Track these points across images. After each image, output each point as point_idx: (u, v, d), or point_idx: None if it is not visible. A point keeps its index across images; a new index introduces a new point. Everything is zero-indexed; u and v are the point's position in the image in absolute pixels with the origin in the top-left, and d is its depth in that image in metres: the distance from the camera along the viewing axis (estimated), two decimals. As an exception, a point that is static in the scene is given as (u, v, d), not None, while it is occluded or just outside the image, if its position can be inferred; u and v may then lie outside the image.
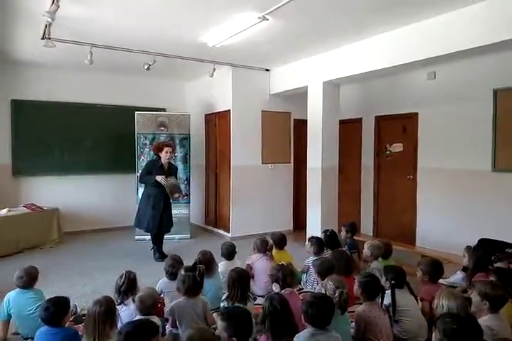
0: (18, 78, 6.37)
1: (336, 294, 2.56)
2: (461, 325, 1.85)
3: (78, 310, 3.32)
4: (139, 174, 6.03)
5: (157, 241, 5.32)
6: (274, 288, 3.03)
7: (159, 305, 2.93)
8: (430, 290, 2.97)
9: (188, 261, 3.19)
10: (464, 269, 3.86)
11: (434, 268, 3.11)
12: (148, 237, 5.67)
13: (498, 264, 3.45)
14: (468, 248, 3.83)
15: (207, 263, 3.42)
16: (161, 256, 5.16)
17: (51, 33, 4.37)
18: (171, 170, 5.31)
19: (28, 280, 2.98)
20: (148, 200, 5.20)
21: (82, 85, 6.76)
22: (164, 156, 5.19)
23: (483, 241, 4.35)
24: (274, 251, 4.25)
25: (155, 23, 4.39)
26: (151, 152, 6.45)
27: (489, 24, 3.70)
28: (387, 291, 2.81)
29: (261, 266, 3.83)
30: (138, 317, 2.62)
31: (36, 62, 6.17)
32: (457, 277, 3.97)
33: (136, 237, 6.32)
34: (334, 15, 4.11)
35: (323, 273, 3.33)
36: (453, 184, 5.43)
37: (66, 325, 2.58)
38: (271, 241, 4.22)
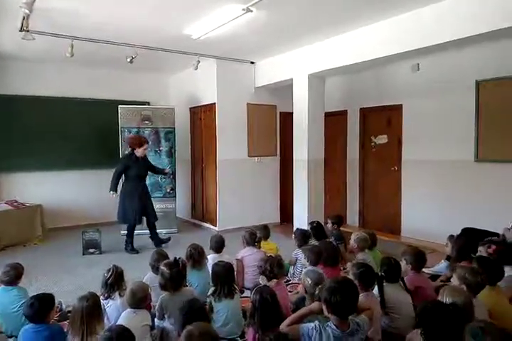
0: (-3, 72, 6.21)
1: (316, 291, 2.57)
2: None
3: (63, 307, 3.29)
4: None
5: (131, 233, 5.46)
6: (260, 281, 3.05)
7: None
8: (413, 280, 3.01)
9: (176, 255, 3.17)
10: (448, 258, 3.93)
11: (418, 257, 3.14)
12: (136, 232, 5.63)
13: (479, 248, 3.53)
14: (451, 237, 3.89)
15: (198, 256, 3.43)
16: (159, 243, 5.47)
17: (30, 25, 4.25)
18: (145, 162, 5.55)
19: (15, 274, 2.95)
20: (131, 195, 5.33)
21: (63, 79, 6.62)
22: (142, 152, 5.37)
23: (466, 230, 4.43)
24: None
25: (137, 15, 4.30)
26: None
27: (470, 17, 3.72)
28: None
29: (251, 258, 3.84)
30: (127, 310, 2.61)
31: (15, 55, 6.00)
32: (441, 266, 4.04)
33: (121, 232, 6.25)
34: (319, 7, 4.09)
35: (313, 258, 3.37)
36: (437, 174, 5.52)
37: (51, 322, 2.55)
38: (259, 234, 4.24)
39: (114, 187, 5.30)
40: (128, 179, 5.41)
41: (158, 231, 5.72)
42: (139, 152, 5.35)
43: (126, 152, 5.76)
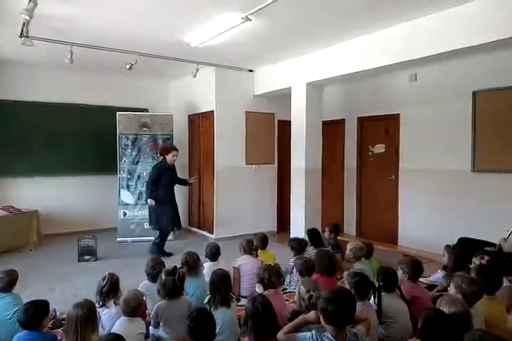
0: (-5, 77, 6.21)
1: (306, 296, 2.56)
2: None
3: (58, 314, 3.26)
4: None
5: (164, 238, 5.62)
6: (257, 289, 3.03)
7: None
8: (410, 290, 3.00)
9: (172, 263, 3.16)
10: (444, 268, 3.92)
11: (414, 267, 3.14)
12: (131, 239, 5.61)
13: (473, 259, 3.53)
14: (447, 247, 3.89)
15: (192, 264, 3.42)
16: (161, 252, 5.41)
17: (30, 31, 4.28)
18: (174, 170, 5.74)
19: (9, 280, 2.93)
20: (163, 203, 5.46)
21: (62, 85, 6.63)
22: (171, 159, 5.54)
23: (462, 240, 4.44)
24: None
25: (137, 23, 4.33)
26: (134, 152, 6.45)
27: (469, 27, 3.77)
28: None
29: (248, 267, 3.83)
30: (121, 318, 2.59)
31: (14, 61, 6.02)
32: (438, 276, 4.03)
33: (117, 239, 6.24)
34: (317, 16, 4.14)
35: (304, 272, 3.35)
36: (433, 184, 5.53)
37: (45, 330, 2.52)
38: (256, 242, 4.22)
39: (152, 195, 5.44)
40: (160, 187, 5.48)
41: (155, 237, 5.69)
42: (168, 159, 5.52)
43: (156, 161, 5.99)
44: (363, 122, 6.64)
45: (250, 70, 6.66)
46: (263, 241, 4.34)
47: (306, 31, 4.64)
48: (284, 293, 3.76)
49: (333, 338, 2.07)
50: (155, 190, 5.45)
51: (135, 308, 2.60)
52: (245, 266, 3.85)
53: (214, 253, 3.92)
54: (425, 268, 3.27)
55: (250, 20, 4.07)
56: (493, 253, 3.75)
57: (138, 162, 6.51)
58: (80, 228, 6.49)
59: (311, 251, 4.26)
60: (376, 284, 2.86)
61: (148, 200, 5.46)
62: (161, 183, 5.47)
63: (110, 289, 2.84)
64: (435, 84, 5.52)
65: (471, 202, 5.09)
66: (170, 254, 5.35)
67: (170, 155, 5.52)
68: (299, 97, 5.85)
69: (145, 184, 5.98)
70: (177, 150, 5.68)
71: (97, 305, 2.72)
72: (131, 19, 4.23)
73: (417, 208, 5.75)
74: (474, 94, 5.07)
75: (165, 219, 5.47)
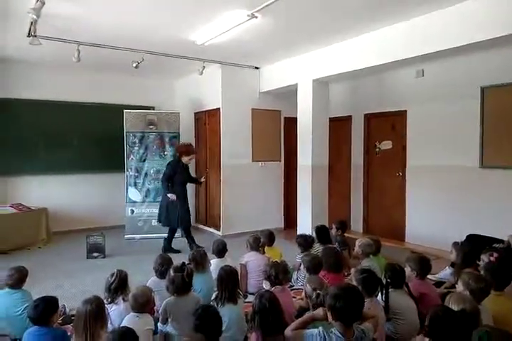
0: (2, 76, 6.23)
1: (313, 296, 2.56)
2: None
3: (67, 310, 3.29)
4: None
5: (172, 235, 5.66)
6: (264, 286, 3.04)
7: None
8: (418, 287, 2.99)
9: (180, 260, 3.18)
10: (452, 265, 3.90)
11: (422, 264, 3.12)
12: (139, 236, 5.62)
13: (481, 256, 3.51)
14: (455, 244, 3.87)
15: (200, 259, 3.43)
16: (167, 249, 5.43)
17: (37, 30, 4.31)
18: (187, 169, 5.80)
19: (19, 277, 2.96)
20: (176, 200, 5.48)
21: (69, 83, 6.67)
22: (187, 161, 5.64)
23: (470, 237, 4.41)
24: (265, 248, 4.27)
25: (143, 21, 4.35)
26: (141, 150, 6.48)
27: (475, 23, 3.74)
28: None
29: (255, 263, 3.84)
30: (130, 314, 2.61)
31: (22, 60, 6.07)
32: (446, 273, 4.01)
33: (125, 236, 6.29)
34: (323, 13, 4.12)
35: (311, 269, 3.35)
36: (441, 180, 5.49)
37: (54, 326, 2.55)
38: (263, 238, 4.23)
39: (170, 190, 5.50)
40: (174, 183, 5.54)
41: (163, 235, 5.72)
42: (184, 160, 5.59)
43: (168, 159, 6.15)
44: (369, 119, 6.61)
45: (256, 67, 6.65)
46: (270, 237, 4.35)
47: (312, 28, 4.62)
48: (291, 290, 3.77)
49: (340, 335, 2.07)
50: (171, 187, 5.51)
51: (143, 304, 2.62)
52: (252, 263, 3.86)
53: (221, 250, 3.94)
54: (432, 264, 3.25)
55: (256, 17, 4.07)
56: (502, 250, 3.72)
57: (145, 160, 6.54)
58: (88, 225, 6.55)
59: (317, 248, 4.26)
60: (384, 281, 2.85)
61: (169, 195, 5.46)
62: (175, 180, 5.53)
63: (119, 286, 2.86)
64: (442, 79, 5.47)
65: (479, 198, 5.05)
66: (178, 251, 5.38)
67: (188, 158, 5.60)
68: (306, 94, 5.83)
69: (159, 180, 6.01)
70: (195, 153, 5.74)
71: (105, 301, 2.75)
72: (136, 17, 4.25)
73: (425, 204, 5.72)
74: (482, 89, 5.02)
75: (176, 215, 5.50)
